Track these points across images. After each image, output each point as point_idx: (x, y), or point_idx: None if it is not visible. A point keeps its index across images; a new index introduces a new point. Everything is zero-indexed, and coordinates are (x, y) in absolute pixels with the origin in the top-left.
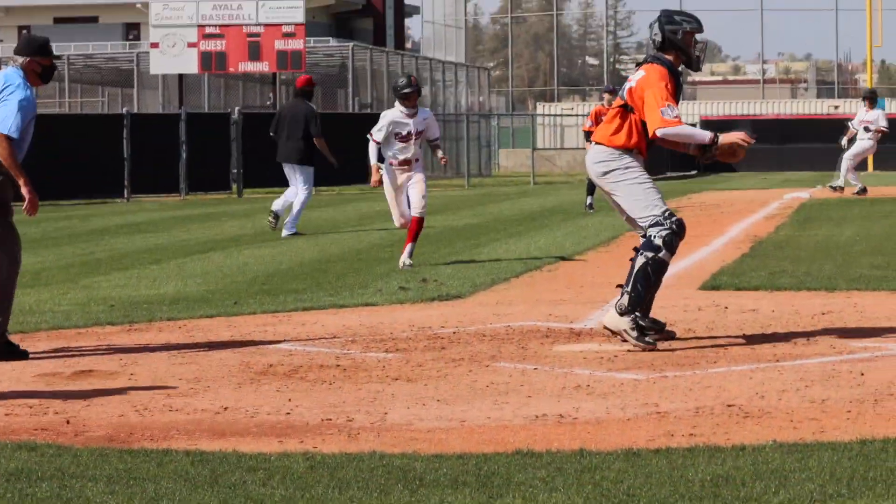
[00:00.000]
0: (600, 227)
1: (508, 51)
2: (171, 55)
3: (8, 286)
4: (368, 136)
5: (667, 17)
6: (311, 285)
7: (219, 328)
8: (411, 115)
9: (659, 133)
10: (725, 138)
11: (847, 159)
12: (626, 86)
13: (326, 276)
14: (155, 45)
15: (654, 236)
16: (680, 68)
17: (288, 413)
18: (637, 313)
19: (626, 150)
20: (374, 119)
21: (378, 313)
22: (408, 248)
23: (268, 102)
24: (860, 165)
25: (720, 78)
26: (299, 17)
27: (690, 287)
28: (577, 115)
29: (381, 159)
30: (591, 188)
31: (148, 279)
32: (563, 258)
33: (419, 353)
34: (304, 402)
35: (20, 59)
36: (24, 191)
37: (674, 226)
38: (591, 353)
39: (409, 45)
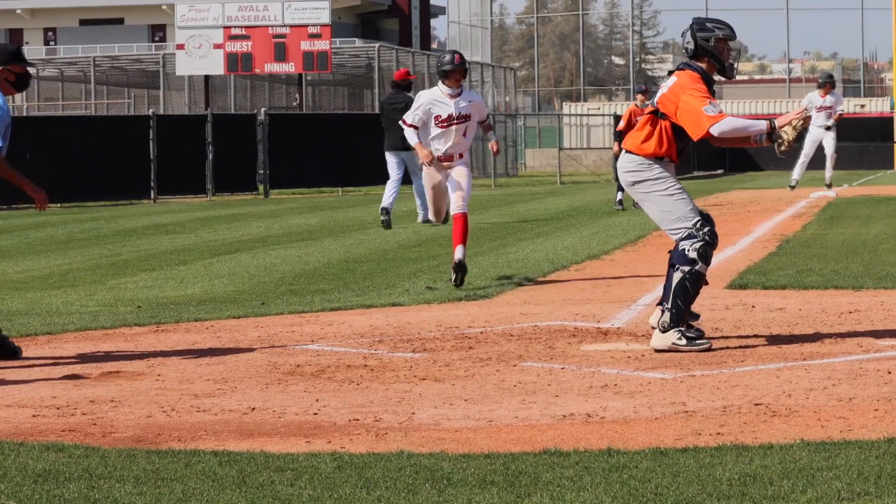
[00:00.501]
0: (627, 226)
1: (534, 51)
2: (197, 56)
3: None
4: (401, 122)
5: (699, 25)
6: (338, 285)
7: (246, 329)
8: (454, 96)
9: (714, 131)
10: (782, 121)
11: (830, 158)
12: (658, 93)
13: (353, 276)
14: (181, 47)
15: (688, 249)
16: (714, 76)
17: (315, 413)
18: (681, 325)
19: (656, 157)
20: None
21: (405, 313)
22: (458, 251)
23: (294, 104)
24: (816, 160)
25: (746, 77)
26: (325, 17)
27: (717, 286)
28: (603, 115)
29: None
30: (621, 185)
31: (175, 280)
32: (590, 257)
33: (446, 353)
34: (332, 402)
35: None
36: (30, 192)
37: (707, 237)
38: (618, 353)
39: (435, 45)
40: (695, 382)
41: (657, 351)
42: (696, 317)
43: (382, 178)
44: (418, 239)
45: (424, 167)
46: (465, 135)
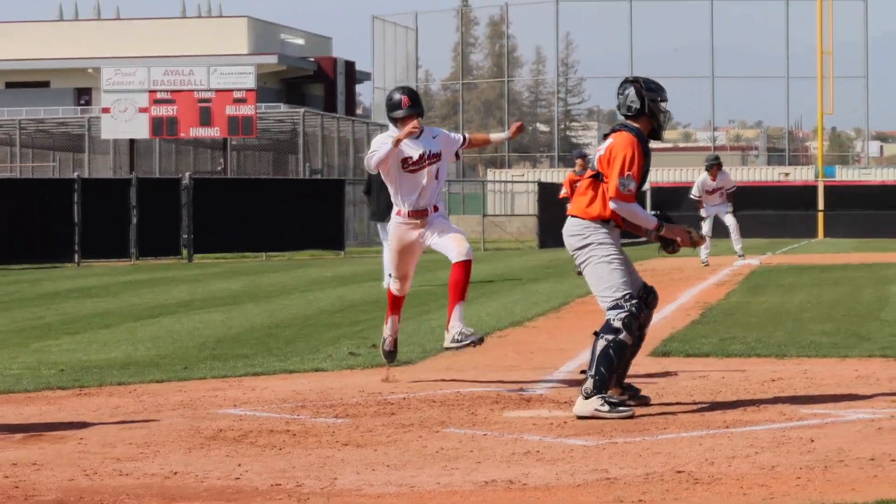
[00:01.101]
0: (551, 293)
1: (459, 117)
2: (123, 120)
3: None
4: (366, 164)
5: (646, 85)
6: (260, 350)
7: (168, 393)
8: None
9: (611, 206)
10: (669, 232)
11: (735, 231)
12: (597, 155)
13: (276, 341)
14: (106, 110)
15: (613, 319)
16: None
17: (237, 478)
18: (604, 393)
19: (602, 220)
20: (324, 185)
21: (328, 378)
22: (456, 312)
23: (218, 168)
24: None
25: (671, 145)
26: (250, 82)
27: (640, 354)
28: (527, 182)
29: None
30: None
31: (98, 343)
32: (513, 324)
33: (369, 419)
34: (254, 467)
35: None
36: None
37: (633, 308)
38: (540, 420)
39: (359, 110)
40: (617, 449)
41: (579, 417)
42: (637, 391)
43: (305, 243)
44: (341, 304)
45: (390, 228)
46: (437, 177)
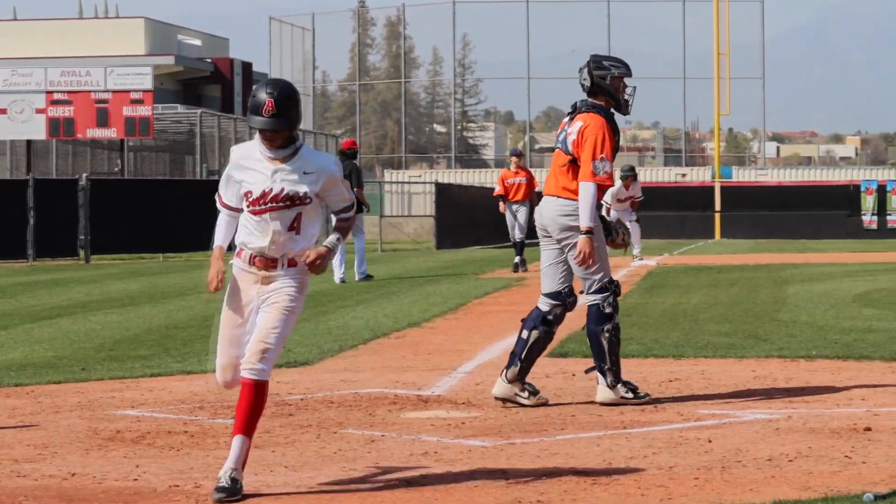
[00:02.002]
0: (448, 294)
1: (356, 118)
2: (19, 121)
3: None
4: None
5: (595, 63)
6: (158, 351)
7: (66, 394)
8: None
9: (579, 185)
10: (588, 244)
11: (636, 236)
12: (568, 139)
13: (174, 342)
14: (2, 111)
15: (603, 304)
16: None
17: (135, 479)
18: (622, 381)
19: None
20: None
21: None
22: (233, 450)
23: (115, 169)
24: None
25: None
26: (147, 83)
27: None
28: (424, 183)
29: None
30: (521, 247)
31: None
32: (411, 325)
33: (267, 420)
34: (152, 469)
35: None
36: None
37: (616, 289)
38: (438, 420)
39: None
40: (515, 450)
41: (603, 405)
42: (536, 390)
43: (202, 244)
44: None
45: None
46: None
